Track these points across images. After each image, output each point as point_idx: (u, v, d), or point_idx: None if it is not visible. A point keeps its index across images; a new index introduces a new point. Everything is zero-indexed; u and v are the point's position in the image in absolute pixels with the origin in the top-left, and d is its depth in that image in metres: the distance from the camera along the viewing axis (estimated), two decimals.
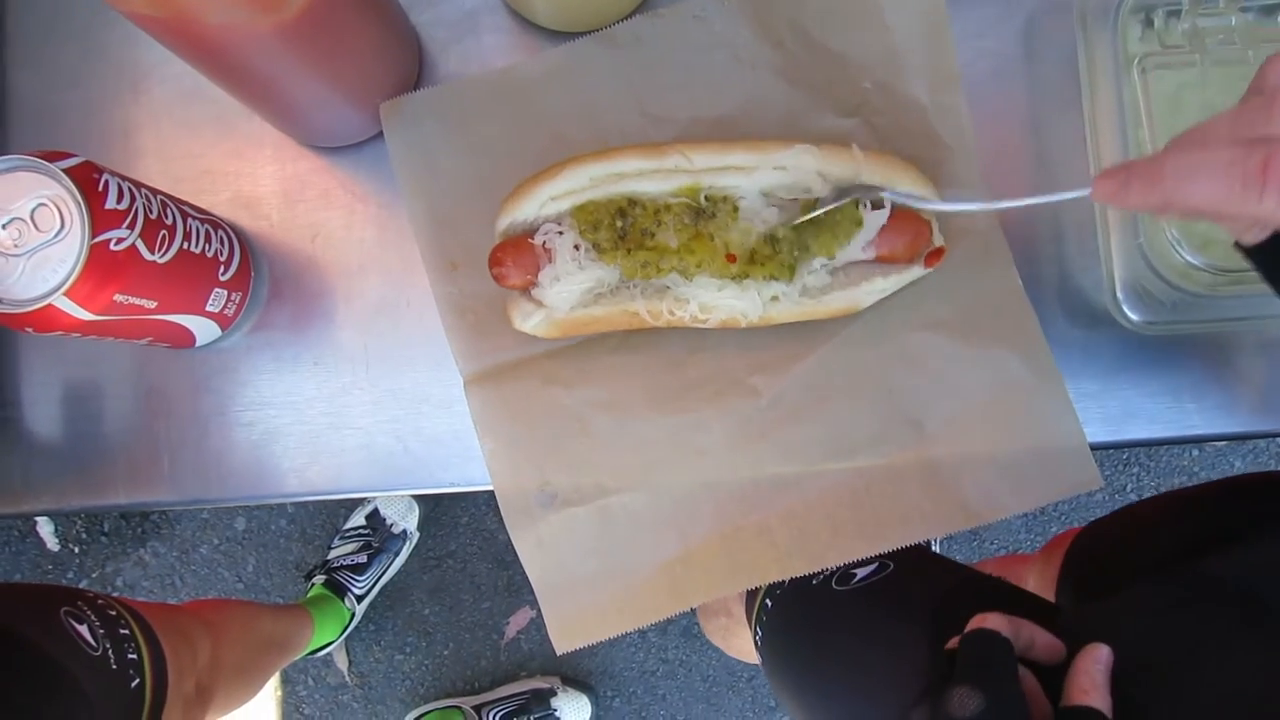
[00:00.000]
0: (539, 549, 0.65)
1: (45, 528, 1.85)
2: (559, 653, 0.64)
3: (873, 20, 0.63)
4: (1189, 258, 0.61)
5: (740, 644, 1.22)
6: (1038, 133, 0.69)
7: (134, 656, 0.85)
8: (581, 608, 0.64)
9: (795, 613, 0.72)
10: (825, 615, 0.67)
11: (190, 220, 0.62)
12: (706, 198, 0.59)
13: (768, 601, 0.78)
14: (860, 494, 0.63)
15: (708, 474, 0.64)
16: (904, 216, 0.60)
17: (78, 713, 0.75)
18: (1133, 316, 0.63)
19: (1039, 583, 0.94)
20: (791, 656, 0.76)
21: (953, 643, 0.54)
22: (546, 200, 0.59)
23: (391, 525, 1.72)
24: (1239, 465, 1.78)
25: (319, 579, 1.68)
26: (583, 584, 0.64)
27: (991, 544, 1.75)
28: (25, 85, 0.73)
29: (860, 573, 0.70)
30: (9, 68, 0.73)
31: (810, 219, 0.59)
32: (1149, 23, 0.65)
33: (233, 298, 0.67)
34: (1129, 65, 0.64)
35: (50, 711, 0.73)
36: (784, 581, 0.70)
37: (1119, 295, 0.63)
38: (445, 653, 1.79)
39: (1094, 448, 0.63)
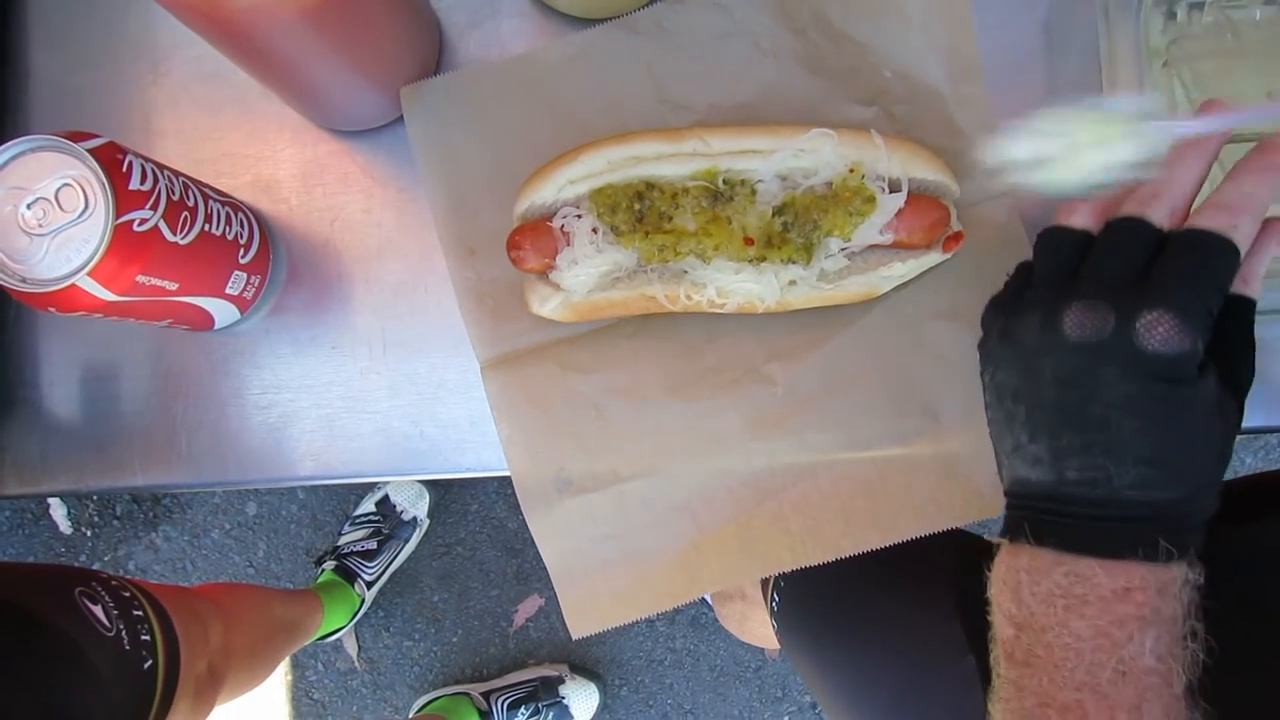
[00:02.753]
0: (555, 534, 0.65)
1: (58, 511, 1.86)
2: (574, 637, 0.64)
3: (895, 9, 0.63)
4: None
5: (755, 627, 1.22)
6: None
7: (147, 638, 0.86)
8: (596, 593, 0.64)
9: (814, 576, 0.72)
10: (846, 575, 0.67)
11: (211, 202, 0.63)
12: (724, 181, 0.59)
13: None
14: (875, 484, 0.63)
15: (723, 461, 0.64)
16: (921, 200, 0.59)
17: (91, 692, 0.76)
18: None
19: None
20: (812, 619, 0.76)
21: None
22: (565, 184, 0.59)
23: (402, 512, 1.73)
24: (1250, 462, 1.77)
25: (329, 565, 1.69)
26: (598, 569, 0.65)
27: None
28: (47, 66, 0.73)
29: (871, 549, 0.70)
30: (31, 48, 0.73)
31: (813, 188, 0.59)
32: (1171, 15, 0.65)
33: (252, 280, 0.67)
34: (1151, 58, 0.63)
35: (64, 690, 0.74)
36: None
37: None
38: (454, 639, 1.80)
39: None
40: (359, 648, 1.81)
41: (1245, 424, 0.67)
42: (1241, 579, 0.61)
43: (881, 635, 0.71)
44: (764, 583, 0.86)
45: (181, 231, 0.58)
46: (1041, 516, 0.44)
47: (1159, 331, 0.40)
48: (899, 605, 0.71)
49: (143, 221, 0.55)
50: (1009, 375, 0.46)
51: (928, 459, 0.63)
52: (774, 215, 0.59)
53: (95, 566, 1.84)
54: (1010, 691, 0.44)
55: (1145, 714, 0.40)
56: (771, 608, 0.82)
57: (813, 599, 0.78)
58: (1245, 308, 0.46)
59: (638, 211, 0.59)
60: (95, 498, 1.84)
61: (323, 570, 1.69)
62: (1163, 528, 0.41)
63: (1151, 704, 0.40)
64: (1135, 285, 0.43)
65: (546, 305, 0.61)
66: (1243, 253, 0.43)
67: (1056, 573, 0.42)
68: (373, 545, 1.69)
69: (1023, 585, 0.43)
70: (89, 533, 1.86)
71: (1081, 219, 0.47)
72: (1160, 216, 0.44)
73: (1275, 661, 0.56)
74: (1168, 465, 0.41)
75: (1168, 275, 0.42)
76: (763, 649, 1.74)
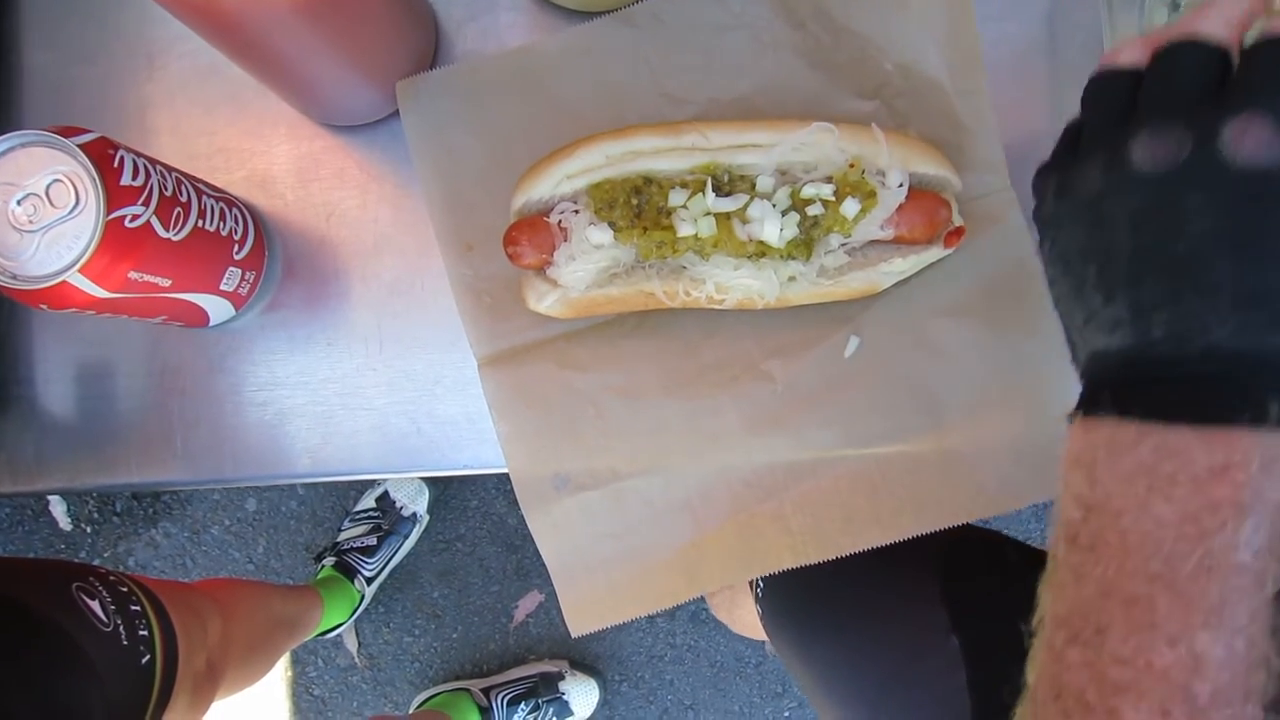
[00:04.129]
0: (554, 532, 0.64)
1: (58, 507, 1.86)
2: (574, 635, 0.64)
3: (896, 2, 0.63)
4: None
5: (744, 615, 1.21)
6: (1060, 118, 0.67)
7: (145, 633, 0.86)
8: (596, 591, 0.64)
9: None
10: (829, 566, 0.66)
11: (205, 198, 0.62)
12: (726, 175, 0.59)
13: None
14: (876, 482, 0.63)
15: (723, 459, 0.64)
16: (923, 195, 0.59)
17: (88, 688, 0.76)
18: None
19: None
20: (796, 609, 0.76)
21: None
22: (562, 179, 0.59)
23: (401, 508, 1.72)
24: None
25: (329, 561, 1.69)
26: (597, 567, 0.64)
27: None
28: (40, 61, 0.72)
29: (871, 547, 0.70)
30: (24, 43, 0.73)
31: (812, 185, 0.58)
32: (1175, 6, 0.64)
33: (247, 277, 0.67)
34: None
35: (61, 685, 0.73)
36: None
37: None
38: (454, 635, 1.80)
39: None
40: (359, 644, 1.81)
41: None
42: None
43: (865, 624, 0.70)
44: None
45: (174, 227, 0.58)
46: (1127, 384, 0.37)
47: (1250, 139, 0.33)
48: (882, 593, 0.70)
49: (134, 218, 0.54)
50: (1074, 233, 0.39)
51: (929, 456, 0.63)
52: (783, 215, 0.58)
53: (95, 563, 1.84)
54: (1067, 577, 0.38)
55: (1227, 618, 0.33)
56: (756, 594, 0.81)
57: (796, 588, 0.77)
58: None
59: (635, 207, 0.58)
60: (94, 494, 1.84)
61: (322, 566, 1.69)
62: (1274, 384, 0.34)
63: (1236, 607, 0.34)
64: (1210, 100, 0.36)
65: (544, 302, 0.61)
66: None
67: (1143, 447, 0.35)
68: (372, 541, 1.69)
69: (1099, 463, 0.37)
70: (89, 529, 1.86)
71: (1130, 55, 0.40)
72: (1216, 28, 0.37)
73: None
74: (1274, 303, 0.34)
75: (1251, 73, 0.35)
76: (763, 643, 1.74)
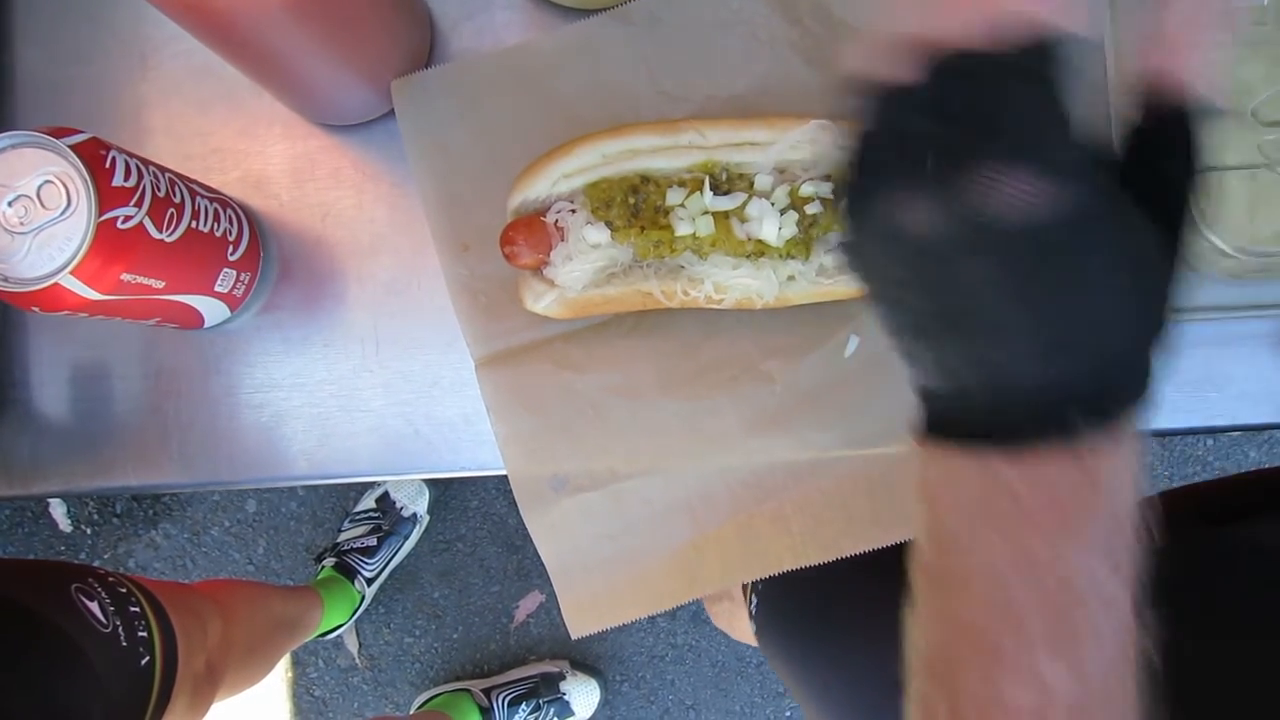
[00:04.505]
0: (553, 534, 0.64)
1: (58, 509, 1.86)
2: (574, 636, 0.64)
3: None
4: (1206, 246, 0.60)
5: (745, 626, 1.22)
6: None
7: (144, 634, 0.85)
8: (596, 592, 0.64)
9: (791, 577, 0.71)
10: (823, 581, 0.65)
11: (199, 199, 0.62)
12: (724, 174, 0.58)
13: None
14: (876, 482, 0.63)
15: (722, 460, 0.63)
16: None
17: (87, 689, 0.75)
18: None
19: None
20: (788, 622, 0.75)
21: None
22: (559, 178, 0.58)
23: (401, 509, 1.72)
24: (1254, 456, 1.76)
25: (329, 561, 1.68)
26: (597, 568, 0.64)
27: None
28: (33, 61, 0.72)
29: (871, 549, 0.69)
30: (17, 43, 0.72)
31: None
32: None
33: (242, 278, 0.66)
34: None
35: (60, 687, 0.73)
36: None
37: None
38: (455, 636, 1.79)
39: None
40: (359, 644, 1.81)
41: (1255, 420, 0.66)
42: (1221, 580, 0.59)
43: (860, 638, 0.69)
44: (744, 585, 0.85)
45: (167, 229, 0.57)
46: (951, 419, 0.37)
47: (997, 195, 0.30)
48: (877, 607, 0.69)
49: (126, 219, 0.54)
50: (872, 283, 0.37)
51: None
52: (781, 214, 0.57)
53: (95, 564, 1.84)
54: (924, 611, 0.38)
55: (1072, 643, 0.33)
56: (750, 609, 0.81)
57: (790, 603, 0.76)
58: (1183, 119, 0.35)
59: (633, 206, 0.58)
60: (93, 497, 1.83)
61: (322, 567, 1.69)
62: (1079, 406, 0.33)
63: (1080, 630, 0.33)
64: (951, 144, 0.32)
65: (541, 302, 0.60)
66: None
67: (972, 481, 0.35)
68: (372, 542, 1.69)
69: (938, 498, 0.37)
70: (89, 530, 1.86)
71: (900, 70, 0.34)
72: (972, 32, 0.32)
73: (1250, 668, 0.53)
74: (1062, 336, 0.33)
75: (985, 121, 0.31)
76: None
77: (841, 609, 0.72)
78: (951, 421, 0.36)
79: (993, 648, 0.34)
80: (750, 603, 0.80)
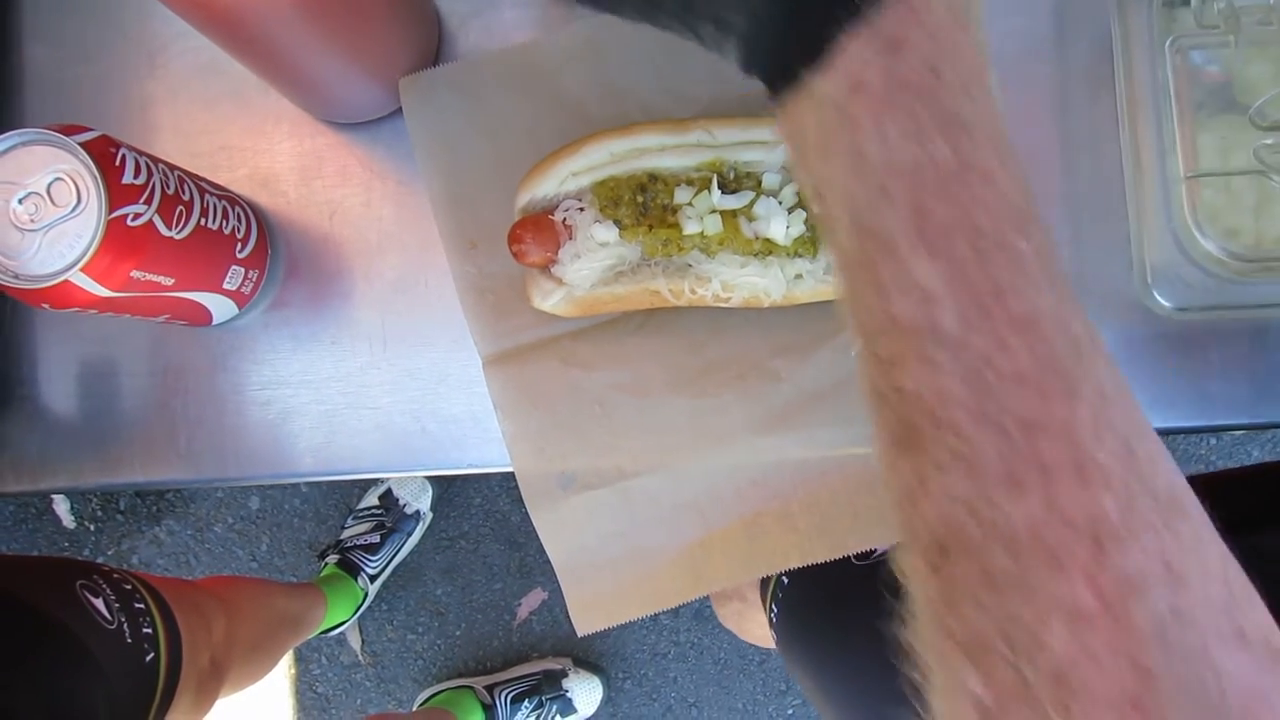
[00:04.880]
0: (559, 531, 0.64)
1: (62, 506, 1.86)
2: (580, 634, 0.64)
3: None
4: (1212, 247, 0.60)
5: (753, 628, 1.22)
6: (1067, 115, 0.67)
7: (149, 631, 0.86)
8: (602, 590, 0.64)
9: (813, 590, 0.71)
10: (844, 591, 0.65)
11: (207, 196, 0.62)
12: (732, 172, 0.58)
13: (784, 579, 0.77)
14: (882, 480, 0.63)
15: (729, 458, 0.64)
16: None
17: (92, 686, 0.76)
18: (1165, 303, 0.62)
19: None
20: (810, 634, 0.75)
21: None
22: (567, 176, 0.58)
23: (405, 506, 1.72)
24: (1256, 454, 1.76)
25: (332, 559, 1.69)
26: (604, 566, 0.64)
27: None
28: (41, 59, 0.72)
29: (879, 547, 0.69)
30: (24, 41, 0.72)
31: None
32: (1184, 1, 0.63)
33: (250, 275, 0.67)
34: (1164, 46, 0.62)
35: (65, 683, 0.73)
36: None
37: (1150, 281, 0.62)
38: (458, 633, 1.80)
39: None
40: (362, 641, 1.81)
41: (1259, 419, 0.66)
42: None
43: (882, 652, 0.69)
44: (762, 594, 0.85)
45: (177, 226, 0.57)
46: (769, 76, 0.34)
47: None
48: (888, 622, 0.69)
49: (136, 216, 0.54)
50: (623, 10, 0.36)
51: None
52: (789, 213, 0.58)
53: (99, 561, 1.84)
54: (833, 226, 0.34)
55: (951, 241, 0.31)
56: (770, 619, 0.81)
57: (811, 614, 0.76)
58: None
59: (641, 204, 0.58)
60: (98, 493, 1.84)
61: (326, 564, 1.69)
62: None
63: (943, 211, 0.31)
64: None
65: (549, 300, 0.60)
66: None
67: (809, 119, 0.33)
68: (376, 539, 1.69)
69: (805, 157, 0.34)
70: (92, 527, 1.86)
71: None
72: None
73: None
74: None
75: None
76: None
77: (863, 620, 0.72)
78: (770, 72, 0.34)
79: (867, 262, 0.32)
80: (770, 612, 0.80)
